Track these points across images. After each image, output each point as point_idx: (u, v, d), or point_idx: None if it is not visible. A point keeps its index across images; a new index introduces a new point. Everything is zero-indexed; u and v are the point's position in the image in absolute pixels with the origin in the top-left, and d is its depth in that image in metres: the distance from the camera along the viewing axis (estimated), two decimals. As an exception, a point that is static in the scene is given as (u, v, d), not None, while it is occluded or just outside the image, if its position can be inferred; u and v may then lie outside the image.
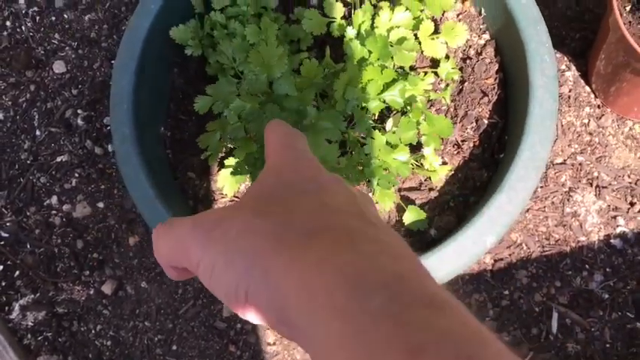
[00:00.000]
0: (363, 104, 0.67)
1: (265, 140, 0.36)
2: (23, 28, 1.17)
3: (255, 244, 0.27)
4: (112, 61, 1.12)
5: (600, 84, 1.02)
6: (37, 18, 1.17)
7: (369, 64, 0.66)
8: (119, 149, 0.73)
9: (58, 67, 1.14)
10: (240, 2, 0.78)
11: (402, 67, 0.73)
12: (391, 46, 0.68)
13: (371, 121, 0.70)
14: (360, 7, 0.71)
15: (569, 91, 1.06)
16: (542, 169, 0.68)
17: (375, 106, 0.66)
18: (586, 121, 1.04)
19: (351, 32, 0.71)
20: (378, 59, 0.66)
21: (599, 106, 1.04)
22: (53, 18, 1.17)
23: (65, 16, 1.17)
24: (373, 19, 0.72)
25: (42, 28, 1.17)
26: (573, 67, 1.06)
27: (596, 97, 1.05)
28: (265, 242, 0.27)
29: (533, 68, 0.70)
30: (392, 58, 0.67)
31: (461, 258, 0.67)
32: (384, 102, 0.67)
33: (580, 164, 1.02)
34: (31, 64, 1.15)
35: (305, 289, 0.25)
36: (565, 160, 1.02)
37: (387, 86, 0.67)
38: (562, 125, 1.04)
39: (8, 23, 1.18)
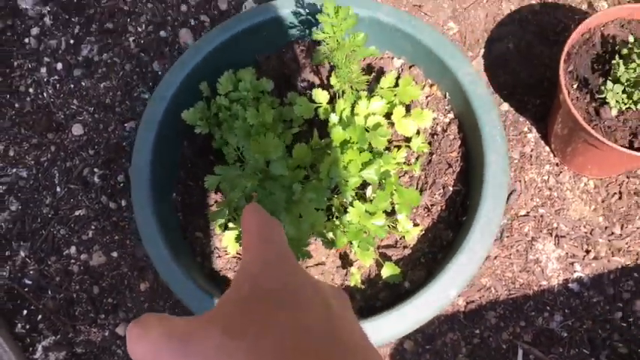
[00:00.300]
0: (345, 180, 0.80)
1: (242, 227, 0.36)
2: (45, 94, 1.31)
3: None
4: (125, 124, 1.26)
5: (558, 145, 1.16)
6: (57, 85, 1.31)
7: (349, 147, 0.79)
8: (139, 214, 0.86)
9: (77, 129, 1.27)
10: (242, 88, 0.92)
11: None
12: (367, 131, 0.82)
13: (352, 192, 0.83)
14: (342, 96, 0.85)
15: (531, 151, 1.19)
16: (495, 232, 0.81)
17: (354, 181, 0.80)
18: (546, 177, 1.17)
19: (334, 118, 0.85)
20: (357, 142, 0.80)
21: (557, 164, 1.18)
22: (72, 85, 1.31)
23: (83, 83, 1.31)
24: (354, 106, 0.86)
25: (62, 95, 1.30)
26: (534, 130, 1.20)
27: (554, 156, 1.19)
28: None
29: (487, 147, 0.84)
30: (368, 142, 0.81)
31: (429, 308, 0.80)
32: (363, 178, 0.81)
33: (541, 216, 1.15)
34: (51, 127, 1.28)
35: None
36: (528, 213, 1.16)
37: (365, 165, 0.80)
38: (525, 181, 1.17)
39: (31, 90, 1.31)
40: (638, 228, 1.13)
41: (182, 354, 0.27)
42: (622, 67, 0.98)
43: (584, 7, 1.29)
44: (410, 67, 0.98)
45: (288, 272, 0.33)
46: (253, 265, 0.33)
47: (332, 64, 0.85)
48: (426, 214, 0.91)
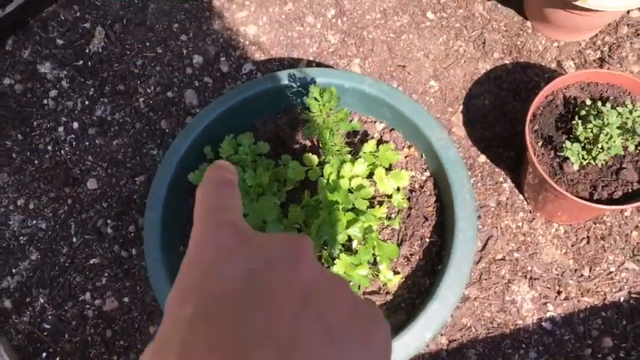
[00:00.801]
0: (333, 236, 0.91)
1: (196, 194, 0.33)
2: (62, 151, 1.43)
3: None
4: (136, 178, 1.38)
5: (530, 194, 1.27)
6: (74, 143, 1.43)
7: (335, 208, 0.91)
8: (151, 267, 0.97)
9: (92, 184, 1.39)
10: (241, 151, 1.04)
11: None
12: (351, 192, 0.94)
13: (339, 246, 0.94)
14: (329, 162, 0.97)
15: (507, 199, 1.31)
16: (465, 280, 0.92)
17: (341, 237, 0.91)
18: (520, 224, 1.28)
19: (323, 181, 0.96)
20: (342, 204, 0.91)
21: (530, 212, 1.29)
22: (87, 143, 1.43)
23: (97, 141, 1.43)
24: (339, 169, 0.98)
25: (78, 152, 1.43)
26: (509, 180, 1.32)
27: (528, 204, 1.30)
28: None
29: (457, 204, 0.95)
30: (352, 203, 0.92)
31: (407, 349, 0.90)
32: (348, 234, 0.92)
33: (516, 260, 1.26)
34: (68, 181, 1.40)
35: None
36: (504, 257, 1.26)
37: (350, 223, 0.91)
38: (501, 227, 1.28)
39: (49, 147, 1.44)
40: (604, 270, 1.23)
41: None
42: (580, 127, 1.09)
43: (554, 65, 1.42)
44: (390, 131, 1.10)
45: (234, 244, 0.28)
46: (199, 260, 0.28)
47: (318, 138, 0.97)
48: (405, 263, 1.02)
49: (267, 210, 0.89)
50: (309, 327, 0.24)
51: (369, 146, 1.01)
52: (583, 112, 1.12)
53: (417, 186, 1.06)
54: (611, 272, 1.23)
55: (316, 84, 1.01)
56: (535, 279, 1.24)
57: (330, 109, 0.90)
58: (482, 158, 1.34)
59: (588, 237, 1.26)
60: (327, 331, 0.25)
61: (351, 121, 1.06)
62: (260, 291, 0.25)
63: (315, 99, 0.87)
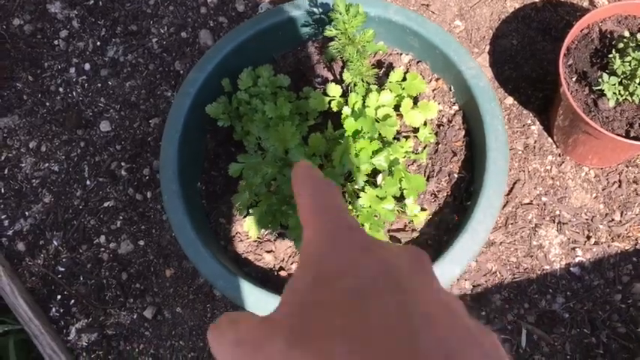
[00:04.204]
0: (357, 166, 0.87)
1: (295, 196, 0.32)
2: (74, 93, 1.39)
3: None
4: (150, 121, 1.34)
5: (560, 136, 1.22)
6: (86, 85, 1.39)
7: (361, 136, 0.86)
8: (168, 202, 0.93)
9: (104, 126, 1.35)
10: (261, 83, 0.99)
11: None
12: (377, 121, 0.89)
13: (364, 178, 0.90)
14: (355, 88, 0.92)
15: (535, 142, 1.25)
16: (496, 214, 0.88)
17: (365, 168, 0.87)
18: (549, 167, 1.23)
19: (347, 110, 0.92)
20: (368, 132, 0.87)
21: (559, 155, 1.24)
22: (99, 85, 1.39)
23: (109, 83, 1.39)
24: (365, 98, 0.93)
25: (90, 94, 1.38)
26: (537, 122, 1.26)
27: (557, 147, 1.24)
28: None
29: (489, 136, 0.90)
30: (378, 132, 0.88)
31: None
32: (373, 165, 0.88)
33: (544, 204, 1.21)
34: (81, 124, 1.36)
35: None
36: (531, 201, 1.22)
37: (375, 153, 0.87)
38: (529, 171, 1.23)
39: (61, 89, 1.40)
40: (636, 214, 1.18)
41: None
42: (618, 61, 1.03)
43: (585, 4, 1.35)
44: (417, 63, 1.05)
45: (352, 249, 0.28)
46: (313, 246, 0.29)
47: (344, 59, 0.92)
48: (432, 200, 0.97)
49: (289, 136, 0.84)
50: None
51: (395, 75, 0.96)
52: (621, 45, 1.06)
53: (444, 120, 1.01)
54: (643, 217, 1.18)
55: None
56: (564, 223, 1.19)
57: (355, 30, 0.85)
58: (510, 100, 1.28)
59: (620, 180, 1.21)
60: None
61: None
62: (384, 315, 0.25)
63: (340, 13, 0.81)
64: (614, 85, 1.04)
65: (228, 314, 0.29)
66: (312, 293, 0.26)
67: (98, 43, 1.42)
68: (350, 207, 0.91)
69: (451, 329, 0.24)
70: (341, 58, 0.94)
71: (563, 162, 1.23)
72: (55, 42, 1.43)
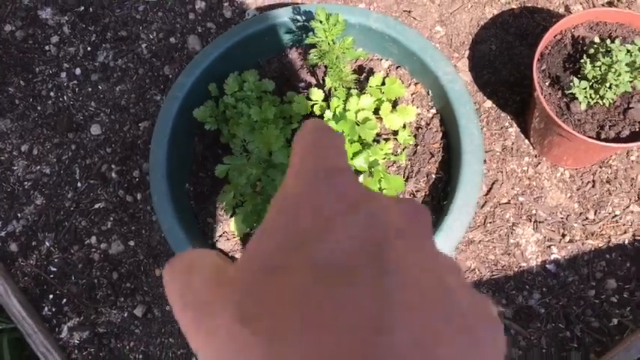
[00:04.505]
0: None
1: (292, 151, 0.27)
2: (65, 97, 1.42)
3: None
4: (139, 124, 1.37)
5: (536, 138, 1.26)
6: (77, 89, 1.42)
7: (341, 139, 0.90)
8: (158, 204, 0.97)
9: (95, 129, 1.38)
10: (246, 88, 1.03)
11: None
12: (357, 125, 0.93)
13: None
14: (335, 93, 0.96)
15: (512, 144, 1.30)
16: (472, 212, 0.92)
17: (346, 169, 0.91)
18: (526, 168, 1.28)
19: (328, 113, 0.96)
20: (348, 135, 0.91)
21: (536, 156, 1.28)
22: (90, 89, 1.42)
23: (100, 87, 1.42)
24: (345, 102, 0.97)
25: (81, 98, 1.42)
26: (515, 125, 1.31)
27: (533, 148, 1.29)
28: None
29: (464, 138, 0.94)
30: (358, 134, 0.92)
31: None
32: (354, 166, 0.92)
33: (521, 203, 1.26)
34: (72, 127, 1.39)
35: None
36: (509, 201, 1.26)
37: (355, 154, 0.91)
38: (506, 172, 1.28)
39: (52, 94, 1.43)
40: (609, 213, 1.23)
41: (194, 333, 0.22)
42: (589, 66, 1.08)
43: (562, 10, 1.40)
44: (397, 68, 1.09)
45: (335, 201, 0.23)
46: (289, 193, 0.24)
47: (325, 64, 0.96)
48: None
49: (273, 139, 0.88)
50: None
51: (375, 80, 1.00)
52: (591, 51, 1.11)
53: (423, 123, 1.05)
54: (616, 215, 1.23)
55: (322, 18, 0.99)
56: (540, 222, 1.24)
57: (335, 38, 0.89)
58: (489, 103, 1.33)
59: (594, 181, 1.25)
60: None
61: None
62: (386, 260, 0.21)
63: (321, 22, 0.86)
64: (585, 89, 1.08)
65: (184, 256, 0.25)
66: (274, 258, 0.22)
67: (89, 49, 1.45)
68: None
69: (437, 322, 0.20)
70: (322, 63, 0.99)
71: (539, 163, 1.28)
72: (46, 47, 1.47)
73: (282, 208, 0.23)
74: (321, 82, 1.09)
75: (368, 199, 0.23)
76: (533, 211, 1.25)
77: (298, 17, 1.04)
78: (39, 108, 1.42)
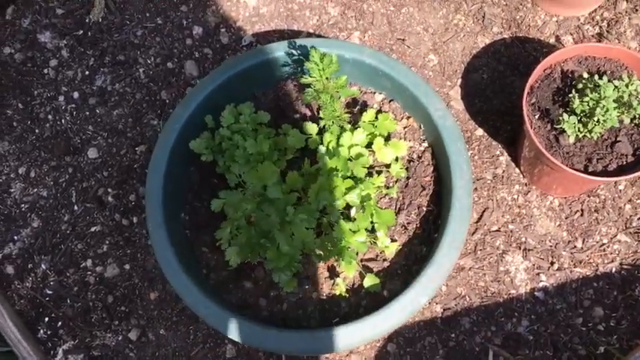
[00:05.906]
0: (332, 202, 0.93)
1: None
2: (63, 120, 1.44)
3: None
4: (136, 148, 1.39)
5: (526, 167, 1.29)
6: (74, 112, 1.44)
7: (335, 175, 0.93)
8: (153, 233, 0.99)
9: (92, 153, 1.40)
10: (242, 120, 1.06)
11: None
12: (350, 160, 0.95)
13: (339, 212, 0.96)
14: (329, 129, 0.98)
15: (503, 172, 1.32)
16: (460, 247, 0.94)
17: (339, 203, 0.93)
18: (516, 196, 1.30)
19: (322, 149, 0.98)
20: (341, 171, 0.93)
21: (526, 185, 1.31)
22: (87, 113, 1.44)
23: (97, 111, 1.44)
24: (339, 137, 0.99)
25: (78, 121, 1.43)
26: (505, 153, 1.33)
27: (523, 177, 1.31)
28: None
29: (454, 173, 0.97)
30: (351, 170, 0.94)
31: (403, 313, 0.92)
32: (347, 201, 0.94)
33: (511, 231, 1.28)
34: (69, 150, 1.41)
35: None
36: (499, 228, 1.28)
37: (348, 190, 0.93)
38: (497, 200, 1.30)
39: (50, 117, 1.45)
40: (597, 242, 1.26)
41: None
42: (577, 100, 1.11)
43: (552, 40, 1.43)
44: (390, 101, 1.12)
45: None
46: None
47: (319, 104, 0.99)
48: (403, 232, 1.04)
49: (268, 174, 0.90)
50: None
51: (368, 115, 1.02)
52: (580, 86, 1.13)
53: (415, 156, 1.08)
54: (603, 244, 1.26)
55: (317, 53, 1.02)
56: (529, 250, 1.26)
57: (330, 76, 0.91)
58: (480, 132, 1.35)
59: (582, 210, 1.28)
60: None
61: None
62: None
63: (315, 63, 0.88)
64: (574, 123, 1.11)
65: None
66: None
67: (87, 73, 1.47)
68: (325, 239, 0.97)
69: None
70: (316, 101, 1.01)
71: (529, 191, 1.30)
72: (45, 70, 1.48)
73: None
74: (316, 113, 1.11)
75: None
76: (523, 239, 1.27)
77: (293, 51, 1.07)
78: (37, 131, 1.44)
